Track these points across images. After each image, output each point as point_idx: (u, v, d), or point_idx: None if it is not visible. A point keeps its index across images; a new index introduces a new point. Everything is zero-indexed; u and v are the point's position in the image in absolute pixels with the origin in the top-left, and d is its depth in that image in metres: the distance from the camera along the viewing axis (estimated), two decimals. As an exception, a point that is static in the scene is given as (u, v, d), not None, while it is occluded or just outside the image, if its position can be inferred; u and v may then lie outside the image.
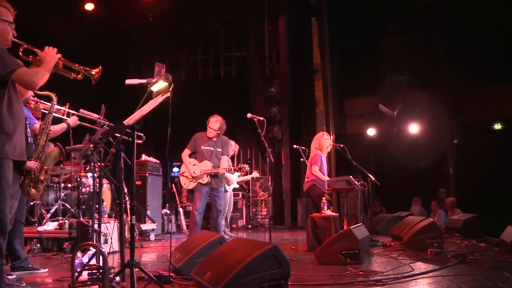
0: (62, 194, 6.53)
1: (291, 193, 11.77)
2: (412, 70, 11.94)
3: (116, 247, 5.53)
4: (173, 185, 10.13)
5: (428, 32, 11.79)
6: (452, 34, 11.26)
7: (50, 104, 4.03)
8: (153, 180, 8.74)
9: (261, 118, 5.69)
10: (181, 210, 9.82)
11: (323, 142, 6.79)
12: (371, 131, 12.49)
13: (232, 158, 8.54)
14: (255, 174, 9.00)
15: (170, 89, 3.45)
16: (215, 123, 6.09)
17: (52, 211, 6.42)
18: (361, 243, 4.59)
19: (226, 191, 7.65)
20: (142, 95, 3.52)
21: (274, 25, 12.66)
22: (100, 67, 3.53)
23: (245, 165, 6.06)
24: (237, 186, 8.13)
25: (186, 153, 6.15)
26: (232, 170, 6.10)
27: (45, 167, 3.75)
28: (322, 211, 5.99)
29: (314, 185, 6.61)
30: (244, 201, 11.15)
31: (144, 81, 3.95)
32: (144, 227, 7.66)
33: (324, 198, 6.11)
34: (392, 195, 11.71)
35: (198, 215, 5.90)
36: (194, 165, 6.07)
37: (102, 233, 4.27)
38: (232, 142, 8.03)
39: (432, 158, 11.51)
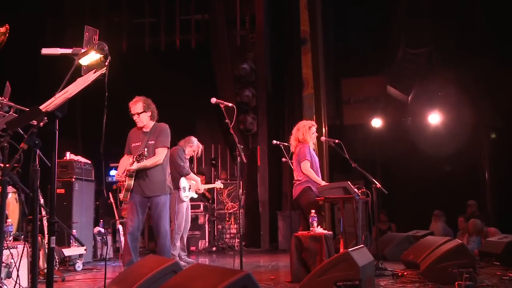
0: None
1: (270, 204, 11.82)
2: (434, 39, 12.02)
3: (24, 282, 5.43)
4: (110, 193, 10.02)
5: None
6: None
7: None
8: (82, 188, 8.63)
9: (230, 104, 5.68)
10: (120, 227, 9.71)
11: (308, 137, 6.83)
12: (377, 122, 12.59)
13: (191, 160, 8.52)
14: (218, 184, 9.02)
15: (106, 63, 3.41)
16: (134, 105, 6.00)
17: None
18: (362, 272, 4.63)
19: (182, 200, 7.63)
20: (66, 71, 3.47)
21: (248, -23, 12.67)
22: (7, 27, 3.44)
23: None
24: (195, 195, 8.13)
25: (122, 158, 6.15)
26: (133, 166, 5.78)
27: None
28: (311, 228, 6.03)
29: (308, 189, 6.62)
30: (207, 215, 11.14)
31: (68, 51, 3.88)
32: (68, 252, 7.56)
33: (313, 211, 6.13)
34: (405, 207, 11.85)
35: (129, 235, 5.85)
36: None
37: (3, 264, 4.17)
38: (194, 140, 8.03)
39: (461, 159, 11.60)
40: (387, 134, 12.58)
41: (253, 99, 12.06)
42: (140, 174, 5.88)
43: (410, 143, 11.92)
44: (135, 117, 6.01)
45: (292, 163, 7.08)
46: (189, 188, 7.92)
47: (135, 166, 5.74)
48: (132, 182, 5.86)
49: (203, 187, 8.42)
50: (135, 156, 5.74)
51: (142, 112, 5.98)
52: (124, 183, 5.88)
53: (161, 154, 5.96)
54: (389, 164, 12.65)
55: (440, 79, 12.16)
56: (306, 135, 6.84)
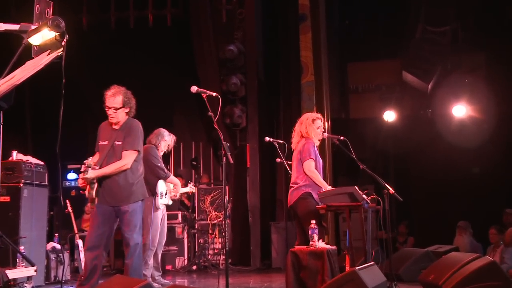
0: None
1: (261, 213, 11.82)
2: (460, 16, 12.03)
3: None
4: (67, 201, 9.99)
5: None
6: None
7: None
8: (33, 194, 8.57)
9: (214, 94, 5.71)
10: (80, 243, 9.70)
11: (312, 132, 6.82)
12: (390, 115, 12.60)
13: (167, 159, 8.47)
14: (190, 187, 9.01)
15: (63, 43, 3.40)
16: (112, 98, 5.92)
17: None
18: (372, 294, 4.65)
19: (157, 208, 7.62)
20: (12, 51, 3.45)
21: None
22: None
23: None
24: (170, 202, 8.11)
25: (94, 157, 6.11)
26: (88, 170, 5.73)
27: None
28: (311, 243, 6.04)
29: (307, 195, 6.59)
30: (186, 227, 11.12)
31: (15, 27, 3.86)
32: (13, 274, 7.49)
33: (312, 221, 6.13)
34: (424, 218, 11.88)
35: (87, 251, 5.85)
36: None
37: None
38: (164, 132, 7.98)
39: (491, 159, 11.54)
40: (402, 129, 12.59)
41: (241, 87, 12.01)
42: (103, 181, 5.82)
43: (430, 140, 11.94)
44: (110, 112, 5.92)
45: (288, 163, 7.07)
46: (166, 194, 7.90)
47: (91, 174, 5.68)
48: (94, 191, 5.80)
49: (181, 191, 8.40)
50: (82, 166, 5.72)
51: (120, 108, 5.93)
52: (86, 192, 5.86)
53: (128, 158, 5.88)
54: (405, 165, 12.68)
55: (467, 64, 12.17)
56: (310, 129, 6.82)
